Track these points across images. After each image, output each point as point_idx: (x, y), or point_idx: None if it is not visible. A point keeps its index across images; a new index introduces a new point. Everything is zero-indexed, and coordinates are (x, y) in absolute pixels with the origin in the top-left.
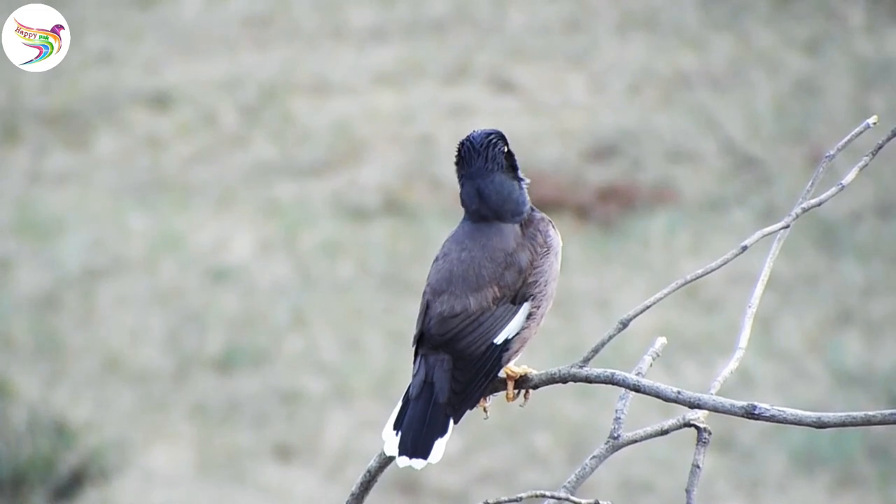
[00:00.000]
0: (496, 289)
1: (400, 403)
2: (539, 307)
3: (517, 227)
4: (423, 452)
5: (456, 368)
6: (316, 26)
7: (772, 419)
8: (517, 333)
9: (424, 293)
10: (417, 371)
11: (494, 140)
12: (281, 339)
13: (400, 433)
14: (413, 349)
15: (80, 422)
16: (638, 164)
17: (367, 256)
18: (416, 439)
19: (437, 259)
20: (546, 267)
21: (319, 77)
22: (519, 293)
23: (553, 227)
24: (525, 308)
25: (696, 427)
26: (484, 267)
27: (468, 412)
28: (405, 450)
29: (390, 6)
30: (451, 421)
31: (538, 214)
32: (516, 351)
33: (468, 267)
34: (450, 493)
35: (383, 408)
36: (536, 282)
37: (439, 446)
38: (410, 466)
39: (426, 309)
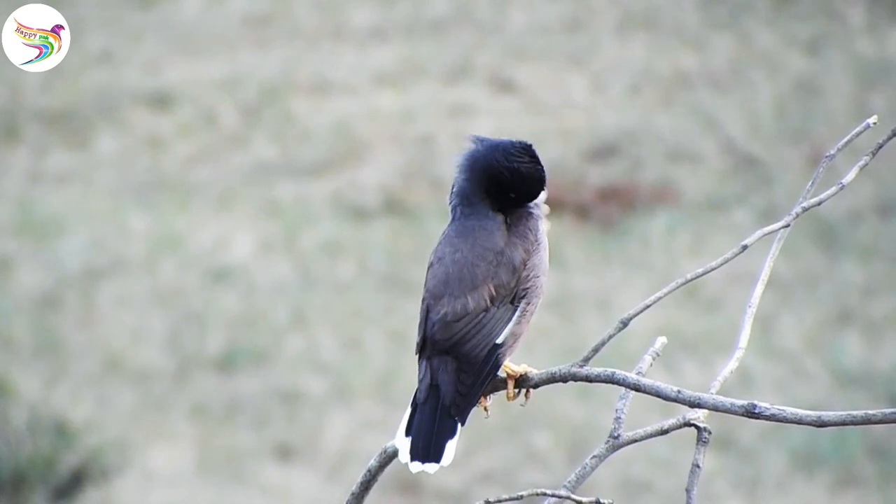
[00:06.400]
0: (492, 287)
1: (409, 409)
2: (531, 303)
3: (502, 223)
4: (436, 456)
5: (461, 371)
6: (316, 26)
7: (772, 418)
8: (511, 330)
9: (424, 299)
10: (423, 375)
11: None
12: (281, 339)
13: (410, 438)
14: (416, 355)
15: (80, 422)
16: (638, 164)
17: (367, 256)
18: (428, 444)
19: (431, 264)
20: (536, 262)
21: (319, 77)
22: (516, 293)
23: (540, 220)
24: (521, 306)
25: (697, 426)
26: (477, 266)
27: (471, 413)
28: (417, 455)
29: (390, 6)
30: (459, 423)
31: (525, 210)
32: (511, 346)
33: (462, 268)
34: (450, 493)
35: (383, 408)
36: (528, 276)
37: (450, 448)
38: (424, 471)
39: (427, 314)
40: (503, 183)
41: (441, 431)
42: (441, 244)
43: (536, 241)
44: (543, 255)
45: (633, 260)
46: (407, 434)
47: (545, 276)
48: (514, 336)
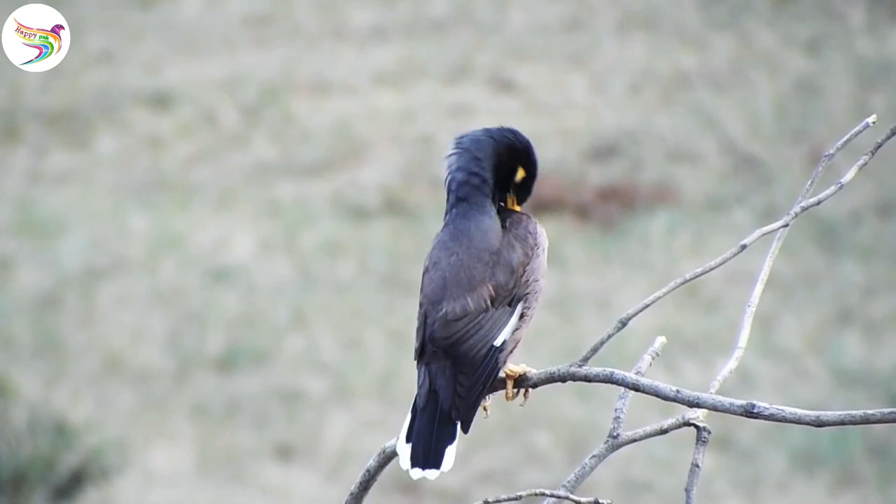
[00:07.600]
0: (490, 287)
1: (409, 415)
2: (530, 306)
3: (497, 224)
4: (436, 462)
5: (459, 373)
6: (316, 26)
7: (771, 418)
8: (511, 334)
9: (421, 304)
10: (422, 381)
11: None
12: (281, 339)
13: (411, 445)
14: (416, 361)
15: (80, 422)
16: (638, 164)
17: (367, 256)
18: (427, 450)
19: (426, 269)
20: (536, 266)
21: (320, 77)
22: (514, 294)
23: (538, 224)
24: (519, 308)
25: (696, 426)
26: (474, 268)
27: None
28: (417, 461)
29: (390, 6)
30: (459, 428)
31: (523, 214)
32: (511, 350)
33: (459, 270)
34: (450, 493)
35: (383, 408)
36: (528, 281)
37: (449, 454)
38: (424, 478)
39: (425, 318)
40: (518, 157)
41: (440, 437)
42: (435, 248)
43: (536, 244)
44: (542, 258)
45: (633, 260)
46: (408, 441)
47: (544, 278)
48: (515, 341)
